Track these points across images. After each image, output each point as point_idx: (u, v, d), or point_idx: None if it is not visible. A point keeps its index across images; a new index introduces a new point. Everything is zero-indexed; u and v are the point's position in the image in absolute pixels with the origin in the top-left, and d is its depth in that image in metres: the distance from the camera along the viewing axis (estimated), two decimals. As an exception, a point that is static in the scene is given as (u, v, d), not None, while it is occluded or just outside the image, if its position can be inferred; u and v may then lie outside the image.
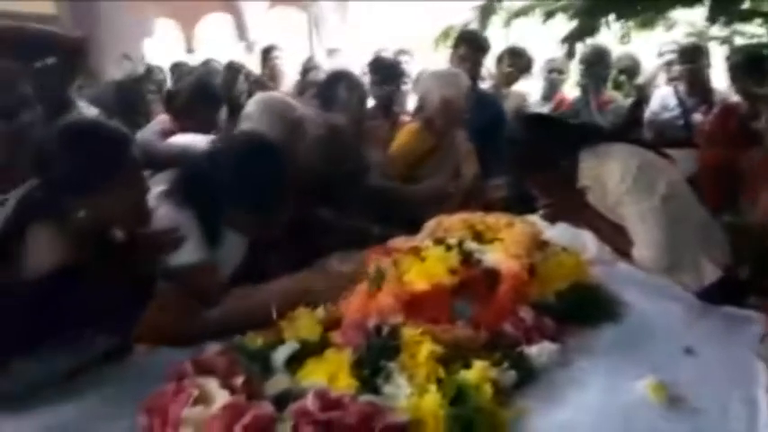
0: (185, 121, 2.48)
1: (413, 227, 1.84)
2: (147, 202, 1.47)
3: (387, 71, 3.55)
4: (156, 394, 1.08)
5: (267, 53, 4.13)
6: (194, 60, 5.06)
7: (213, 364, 1.13)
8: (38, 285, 1.21)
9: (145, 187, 1.45)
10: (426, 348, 1.14)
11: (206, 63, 4.00)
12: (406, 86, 3.66)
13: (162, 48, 6.70)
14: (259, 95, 2.38)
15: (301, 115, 2.21)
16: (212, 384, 1.05)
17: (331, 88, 2.63)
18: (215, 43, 8.13)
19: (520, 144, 1.80)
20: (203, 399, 1.03)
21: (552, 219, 1.79)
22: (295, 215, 1.79)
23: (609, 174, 1.62)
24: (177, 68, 4.26)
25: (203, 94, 2.59)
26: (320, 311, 1.40)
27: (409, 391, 1.07)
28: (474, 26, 3.90)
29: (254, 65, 4.38)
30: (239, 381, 1.08)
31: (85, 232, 1.30)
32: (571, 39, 2.79)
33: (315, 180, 2.05)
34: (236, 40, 8.14)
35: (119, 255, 1.38)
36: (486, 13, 3.49)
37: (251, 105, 2.25)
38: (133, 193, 1.40)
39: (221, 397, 1.02)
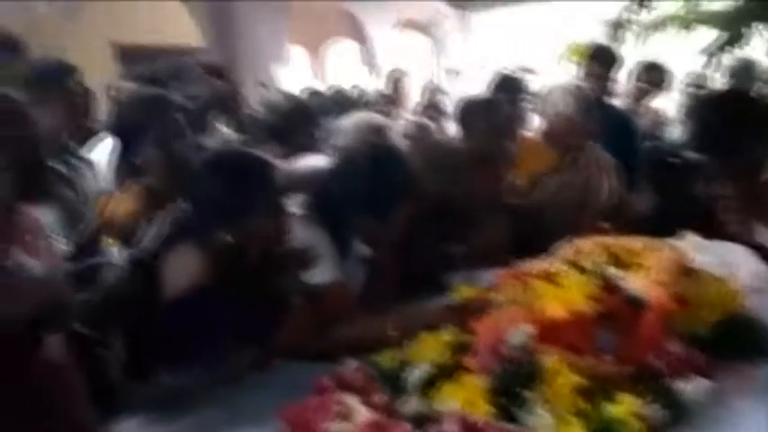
0: (284, 145, 2.56)
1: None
2: (287, 223, 1.56)
3: (508, 88, 3.52)
4: (298, 407, 1.12)
5: (391, 76, 4.24)
6: (323, 86, 5.30)
7: (352, 380, 1.17)
8: (184, 300, 1.31)
9: (286, 212, 1.54)
10: (568, 378, 1.10)
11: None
12: (529, 104, 3.61)
13: (293, 74, 7.06)
14: (352, 116, 2.42)
15: (387, 133, 2.22)
16: (353, 400, 1.08)
17: (468, 113, 2.59)
18: (342, 69, 8.46)
19: (709, 123, 1.65)
20: (344, 414, 1.07)
21: (739, 219, 1.62)
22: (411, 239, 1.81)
23: None
24: (309, 94, 4.47)
25: (301, 118, 2.67)
26: (447, 335, 1.40)
27: (550, 422, 1.04)
28: (604, 41, 3.77)
29: (379, 88, 4.52)
30: (378, 398, 1.10)
31: (230, 253, 1.40)
32: (713, 49, 2.61)
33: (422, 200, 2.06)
34: (362, 65, 8.42)
35: (259, 273, 1.47)
36: (618, 27, 3.37)
37: (342, 124, 2.29)
38: (275, 217, 1.49)
39: (362, 414, 1.05)
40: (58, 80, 2.11)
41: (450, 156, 2.37)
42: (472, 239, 2.14)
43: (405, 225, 1.75)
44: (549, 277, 1.41)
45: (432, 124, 3.83)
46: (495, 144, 2.31)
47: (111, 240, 1.88)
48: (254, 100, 4.10)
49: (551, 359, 1.16)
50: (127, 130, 1.95)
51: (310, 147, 2.45)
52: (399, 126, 3.45)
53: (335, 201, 1.68)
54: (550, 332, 1.25)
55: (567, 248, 1.66)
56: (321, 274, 1.60)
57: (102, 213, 1.90)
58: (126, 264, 1.42)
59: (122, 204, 1.88)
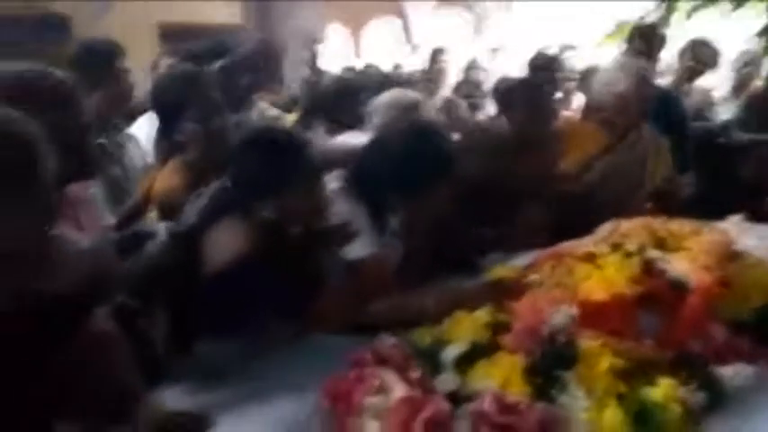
0: (328, 122, 2.58)
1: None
2: (326, 200, 1.57)
3: (547, 66, 3.45)
4: (337, 379, 1.14)
5: (432, 55, 4.20)
6: (362, 64, 5.28)
7: (389, 356, 1.18)
8: (225, 274, 1.33)
9: (323, 187, 1.56)
10: (606, 361, 1.09)
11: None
12: (571, 83, 3.53)
13: (333, 52, 7.06)
14: (388, 93, 2.40)
15: (422, 109, 2.21)
16: (391, 375, 1.10)
17: (509, 93, 2.52)
18: (382, 46, 8.41)
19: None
20: (381, 389, 1.08)
21: None
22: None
23: None
24: (348, 72, 4.47)
25: (347, 94, 2.67)
26: (484, 314, 1.39)
27: (587, 404, 1.04)
28: (650, 20, 3.67)
29: (419, 66, 4.48)
30: (415, 374, 1.11)
31: (269, 227, 1.43)
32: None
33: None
34: (402, 43, 8.35)
35: (298, 247, 1.50)
36: (666, 4, 3.28)
37: (378, 102, 2.30)
38: (314, 193, 1.51)
39: (399, 389, 1.06)
40: (106, 60, 2.16)
41: (491, 138, 2.35)
42: (513, 222, 2.12)
43: (442, 204, 1.74)
44: (590, 258, 1.40)
45: (463, 102, 3.80)
46: (538, 127, 2.28)
47: (153, 215, 1.94)
48: (294, 78, 4.12)
49: (590, 341, 1.16)
50: (166, 107, 1.98)
51: (354, 124, 2.45)
52: (435, 103, 3.43)
53: (372, 176, 1.68)
54: (591, 314, 1.24)
55: (609, 230, 1.65)
56: (359, 248, 1.61)
57: (146, 189, 1.95)
58: (169, 237, 1.45)
59: (165, 180, 1.93)
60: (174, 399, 1.26)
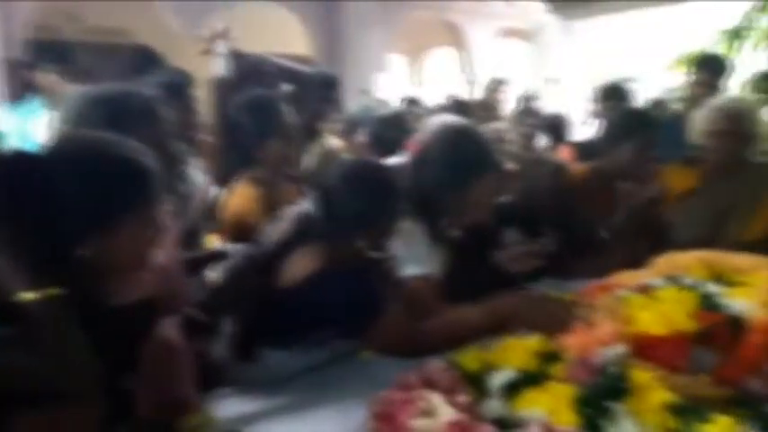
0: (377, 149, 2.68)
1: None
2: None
3: (615, 96, 3.43)
4: (385, 400, 1.16)
5: (490, 85, 4.25)
6: (420, 93, 5.37)
7: (438, 379, 1.19)
8: (297, 292, 1.41)
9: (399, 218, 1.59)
10: (659, 395, 1.08)
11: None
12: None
13: (393, 82, 7.21)
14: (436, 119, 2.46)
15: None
16: (437, 399, 1.11)
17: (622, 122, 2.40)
18: (441, 77, 8.50)
19: None
20: (428, 412, 1.10)
21: None
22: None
23: None
24: (405, 102, 4.56)
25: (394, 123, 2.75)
26: (534, 342, 1.39)
27: (637, 436, 1.02)
28: (716, 50, 3.60)
29: (478, 96, 4.52)
30: (462, 399, 1.12)
31: (349, 255, 1.48)
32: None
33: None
34: (462, 73, 8.43)
35: (365, 271, 1.53)
36: (736, 35, 3.23)
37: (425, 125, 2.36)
38: (395, 227, 1.56)
39: (446, 412, 1.07)
40: (182, 88, 2.31)
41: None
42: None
43: (485, 203, 1.77)
44: (644, 290, 1.38)
45: (514, 132, 3.81)
46: (638, 164, 2.22)
47: (220, 235, 2.04)
48: (354, 105, 4.23)
49: (644, 374, 1.14)
50: (244, 129, 2.09)
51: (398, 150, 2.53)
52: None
53: (418, 187, 1.73)
54: (645, 347, 1.22)
55: (665, 262, 1.61)
56: (410, 267, 1.64)
57: (210, 207, 2.06)
58: (247, 259, 1.53)
59: (237, 199, 2.03)
60: (228, 403, 1.33)
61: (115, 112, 1.26)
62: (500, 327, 1.45)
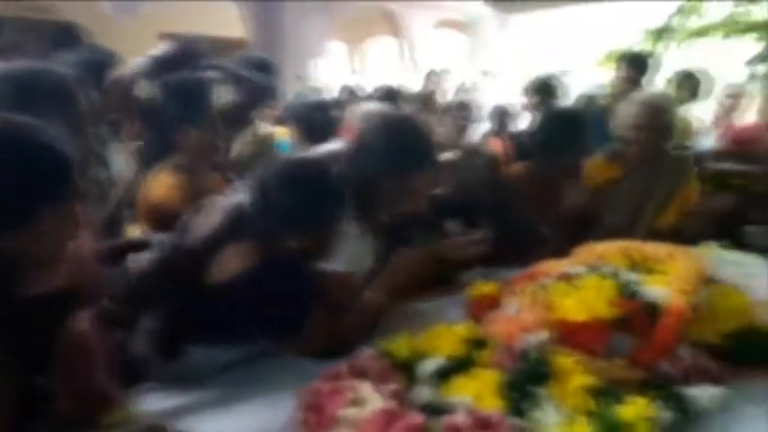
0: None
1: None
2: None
3: (547, 91, 3.52)
4: (312, 391, 1.16)
5: (428, 76, 4.28)
6: (359, 81, 5.35)
7: (366, 368, 1.20)
8: (226, 287, 1.37)
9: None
10: (578, 378, 1.12)
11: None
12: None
13: (333, 69, 7.15)
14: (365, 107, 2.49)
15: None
16: (366, 388, 1.11)
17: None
18: (382, 65, 8.51)
19: None
20: (357, 401, 1.10)
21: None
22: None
23: None
24: (345, 89, 4.53)
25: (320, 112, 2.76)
26: (462, 329, 1.41)
27: (558, 420, 1.06)
28: (642, 48, 3.74)
29: (417, 85, 4.54)
30: (390, 387, 1.13)
31: (289, 257, 1.44)
32: (758, 61, 2.56)
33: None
34: (400, 61, 8.45)
35: (297, 270, 1.50)
36: (661, 34, 3.37)
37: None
38: (338, 230, 1.53)
39: (374, 401, 1.08)
40: (104, 67, 2.20)
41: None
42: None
43: (424, 194, 1.78)
44: (566, 278, 1.42)
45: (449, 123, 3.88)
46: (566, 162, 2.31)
47: (139, 224, 1.96)
48: (291, 92, 4.17)
49: (565, 359, 1.18)
50: (165, 114, 2.02)
51: (326, 137, 2.55)
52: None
53: (353, 175, 1.70)
54: (567, 333, 1.27)
55: (586, 252, 1.67)
56: (333, 263, 1.62)
57: (132, 195, 1.98)
58: (172, 249, 1.47)
59: (161, 188, 1.95)
60: (150, 399, 1.29)
61: (23, 90, 1.18)
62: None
